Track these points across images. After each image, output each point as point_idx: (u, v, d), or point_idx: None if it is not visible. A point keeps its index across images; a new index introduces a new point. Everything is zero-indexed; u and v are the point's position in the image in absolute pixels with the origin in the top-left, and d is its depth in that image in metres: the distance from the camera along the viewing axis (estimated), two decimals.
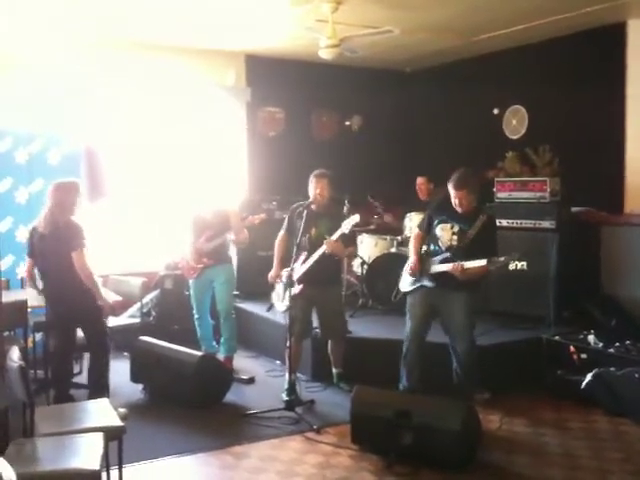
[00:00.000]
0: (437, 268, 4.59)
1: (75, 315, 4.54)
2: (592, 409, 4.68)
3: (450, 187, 4.58)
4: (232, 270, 5.71)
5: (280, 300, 5.05)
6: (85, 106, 6.54)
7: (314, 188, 4.94)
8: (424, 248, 4.82)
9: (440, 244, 4.68)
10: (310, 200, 4.95)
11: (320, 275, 4.85)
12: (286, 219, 5.15)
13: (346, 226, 4.72)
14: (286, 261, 5.01)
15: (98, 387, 4.55)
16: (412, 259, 4.74)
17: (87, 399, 4.21)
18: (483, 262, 4.41)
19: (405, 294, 4.90)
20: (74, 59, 6.43)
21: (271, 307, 5.26)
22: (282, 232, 5.16)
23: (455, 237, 4.60)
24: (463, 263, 4.45)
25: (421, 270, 4.68)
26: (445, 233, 4.65)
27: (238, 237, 5.43)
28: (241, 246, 5.79)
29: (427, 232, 4.80)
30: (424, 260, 4.72)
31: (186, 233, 5.61)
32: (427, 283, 4.65)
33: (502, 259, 4.44)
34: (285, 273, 4.93)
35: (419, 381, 4.71)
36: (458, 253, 4.55)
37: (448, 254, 4.59)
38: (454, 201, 4.58)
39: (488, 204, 6.34)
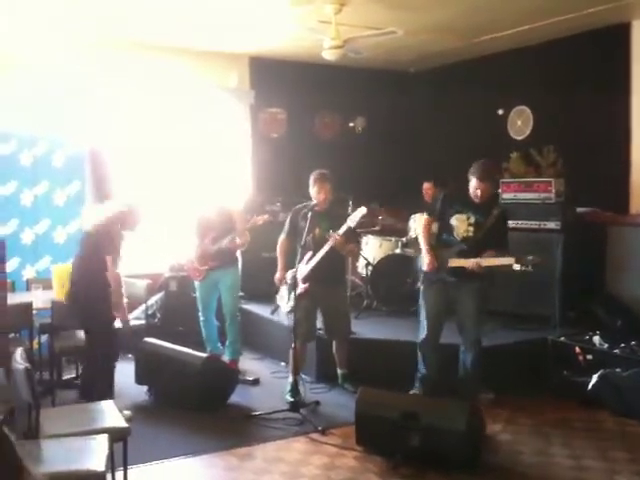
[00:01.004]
0: (455, 262, 4.54)
1: (83, 316, 4.54)
2: (598, 410, 4.67)
3: (473, 177, 4.54)
4: (238, 272, 5.69)
5: (285, 302, 5.04)
6: (89, 108, 6.56)
7: (318, 192, 4.92)
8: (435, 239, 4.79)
9: (455, 234, 4.65)
10: (314, 203, 4.94)
11: (325, 274, 4.84)
12: (287, 222, 5.13)
13: (353, 219, 4.72)
14: (290, 264, 5.00)
15: (87, 393, 4.45)
16: (427, 257, 4.63)
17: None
18: (511, 260, 4.36)
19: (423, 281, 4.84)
20: (77, 61, 6.44)
21: (276, 309, 5.25)
22: (283, 236, 5.13)
23: (471, 228, 4.59)
24: (481, 260, 4.42)
25: (439, 265, 4.62)
26: (461, 224, 4.62)
27: (238, 241, 5.40)
28: (240, 249, 5.77)
29: (438, 219, 4.75)
30: (440, 253, 4.65)
31: (191, 234, 5.62)
32: (447, 278, 4.60)
33: (530, 258, 4.34)
34: (290, 274, 4.93)
35: (437, 371, 4.72)
36: (473, 244, 4.54)
37: (463, 246, 4.56)
38: (474, 192, 4.55)
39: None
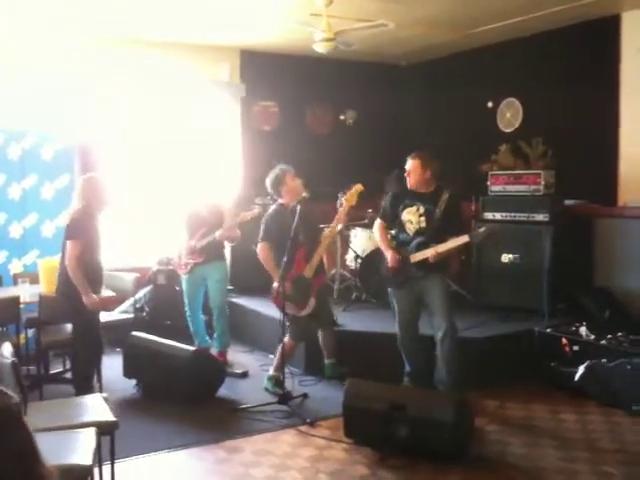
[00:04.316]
0: (418, 256, 4.53)
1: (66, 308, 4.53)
2: (585, 400, 4.70)
3: (407, 161, 4.63)
4: (225, 267, 5.68)
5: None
6: (78, 102, 6.50)
7: (299, 186, 5.01)
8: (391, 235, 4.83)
9: (408, 230, 4.63)
10: (294, 204, 4.90)
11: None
12: (263, 228, 5.06)
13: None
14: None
15: (81, 384, 4.48)
16: (389, 254, 4.63)
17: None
18: (465, 238, 4.44)
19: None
20: (68, 55, 6.38)
21: None
22: (267, 244, 5.01)
23: (423, 219, 4.57)
24: (437, 247, 4.43)
25: (403, 261, 4.59)
26: (412, 217, 4.61)
27: (230, 234, 5.41)
28: (232, 244, 5.77)
29: (391, 221, 4.78)
30: (401, 251, 4.64)
31: (181, 230, 5.60)
32: (415, 273, 4.58)
33: (482, 230, 4.50)
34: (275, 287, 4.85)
35: (422, 365, 4.72)
36: (429, 234, 4.53)
37: (421, 238, 4.55)
38: (405, 176, 4.61)
39: (482, 197, 6.37)
